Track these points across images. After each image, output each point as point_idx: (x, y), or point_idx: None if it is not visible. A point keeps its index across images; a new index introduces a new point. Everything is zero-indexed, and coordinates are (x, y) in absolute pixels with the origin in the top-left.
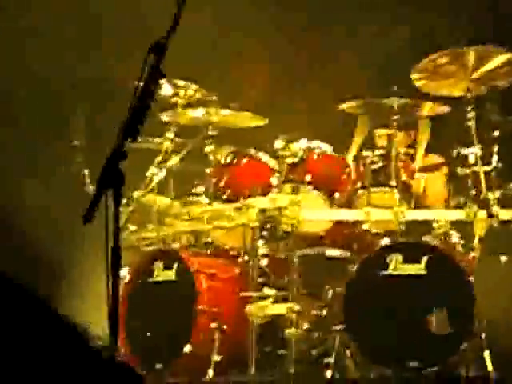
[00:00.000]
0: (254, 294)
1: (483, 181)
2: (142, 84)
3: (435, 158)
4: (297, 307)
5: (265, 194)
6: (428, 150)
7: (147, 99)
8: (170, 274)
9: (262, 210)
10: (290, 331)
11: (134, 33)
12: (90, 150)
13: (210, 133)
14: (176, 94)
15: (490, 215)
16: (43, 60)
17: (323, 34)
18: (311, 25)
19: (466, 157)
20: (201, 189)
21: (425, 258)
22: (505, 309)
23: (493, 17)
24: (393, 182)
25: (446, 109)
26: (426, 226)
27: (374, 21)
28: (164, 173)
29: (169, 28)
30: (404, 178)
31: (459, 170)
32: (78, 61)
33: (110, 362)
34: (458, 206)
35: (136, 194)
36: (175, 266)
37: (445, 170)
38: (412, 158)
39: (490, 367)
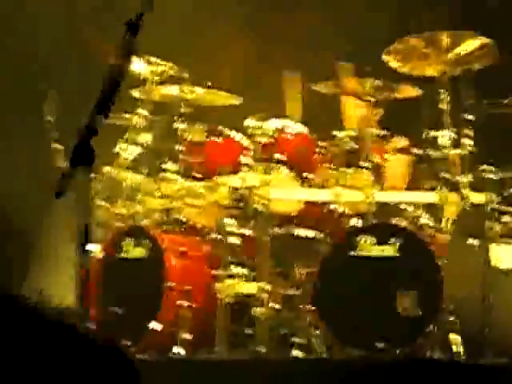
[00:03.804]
0: (224, 273)
1: (455, 164)
2: (114, 61)
3: (400, 141)
4: (267, 286)
5: (236, 173)
6: (399, 132)
7: (119, 77)
8: (141, 251)
9: (234, 189)
10: (259, 310)
11: (108, 11)
12: (62, 125)
13: (183, 110)
14: (149, 71)
15: (461, 198)
16: (17, 35)
17: (299, 13)
18: (287, 4)
19: (438, 139)
20: (172, 166)
21: (396, 240)
22: (474, 291)
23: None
24: (365, 163)
25: (418, 91)
26: (397, 207)
27: (351, 2)
28: (135, 149)
29: (143, 6)
30: (376, 159)
31: (431, 153)
32: (51, 36)
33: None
34: (430, 189)
35: (107, 169)
36: (145, 243)
37: (414, 152)
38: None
39: (456, 349)
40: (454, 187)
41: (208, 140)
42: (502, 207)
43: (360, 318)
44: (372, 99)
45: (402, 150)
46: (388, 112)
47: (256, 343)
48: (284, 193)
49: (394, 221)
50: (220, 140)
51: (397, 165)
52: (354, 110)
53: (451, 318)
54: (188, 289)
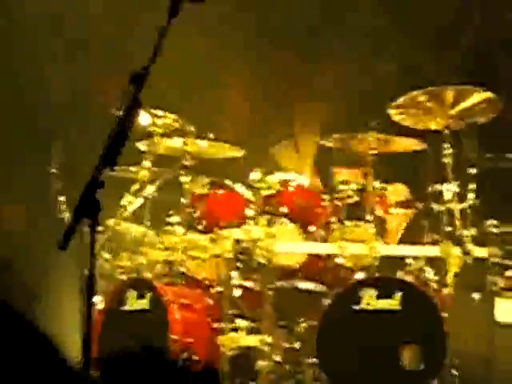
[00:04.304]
0: (227, 325)
1: (458, 218)
2: (120, 113)
3: (401, 189)
4: (269, 339)
5: (240, 226)
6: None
7: (125, 128)
8: (143, 303)
9: (237, 242)
10: (261, 363)
11: (115, 61)
12: (67, 178)
13: (187, 163)
14: (153, 124)
15: (465, 252)
16: (23, 85)
17: (303, 66)
18: (291, 57)
19: (441, 193)
20: (176, 219)
21: (398, 294)
22: (477, 346)
23: (475, 56)
24: (368, 217)
25: (423, 145)
26: (400, 261)
27: (359, 54)
28: (140, 202)
29: (149, 59)
30: (379, 212)
31: (434, 207)
32: (58, 87)
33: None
34: (433, 243)
35: (111, 222)
36: (148, 295)
37: (418, 206)
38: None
39: None
40: (457, 241)
41: (211, 192)
42: (506, 261)
43: (363, 371)
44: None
45: (402, 204)
46: (391, 165)
47: None
48: (288, 246)
49: (397, 274)
50: (223, 192)
51: (392, 219)
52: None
53: (455, 373)
54: (191, 341)
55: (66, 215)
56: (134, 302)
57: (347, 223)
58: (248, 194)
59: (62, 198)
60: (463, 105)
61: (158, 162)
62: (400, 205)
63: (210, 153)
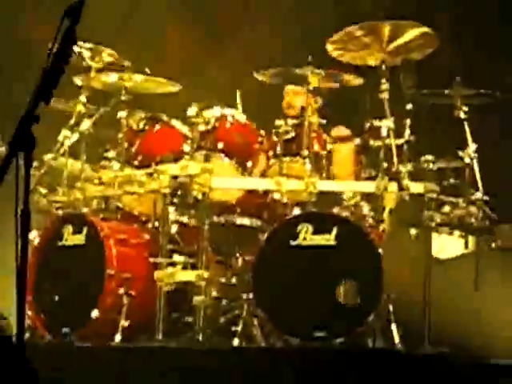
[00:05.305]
0: (164, 261)
1: (395, 154)
2: (55, 47)
3: (343, 130)
4: (206, 274)
5: (176, 161)
6: (340, 121)
7: (61, 63)
8: (80, 239)
9: (174, 177)
10: (198, 298)
11: None
12: (1, 113)
13: (123, 98)
14: (90, 58)
15: (401, 188)
16: None
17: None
18: None
19: (378, 129)
20: (112, 154)
21: (335, 229)
22: (413, 281)
23: None
24: (305, 153)
25: (360, 80)
26: (336, 197)
27: None
28: (76, 136)
29: None
30: (316, 148)
31: (371, 142)
32: None
33: None
34: (370, 178)
35: (47, 156)
36: (85, 230)
37: (355, 142)
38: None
39: (396, 339)
40: (394, 177)
41: (148, 128)
42: (442, 197)
43: (299, 306)
44: (311, 88)
45: (344, 139)
46: (329, 101)
47: (195, 331)
48: (225, 181)
49: (334, 210)
50: (160, 128)
51: (345, 153)
52: (295, 99)
53: (391, 308)
54: (127, 276)
55: (1, 150)
56: (70, 238)
57: (284, 159)
58: (185, 129)
59: None
60: (400, 40)
61: (94, 97)
62: (339, 140)
63: (147, 88)
